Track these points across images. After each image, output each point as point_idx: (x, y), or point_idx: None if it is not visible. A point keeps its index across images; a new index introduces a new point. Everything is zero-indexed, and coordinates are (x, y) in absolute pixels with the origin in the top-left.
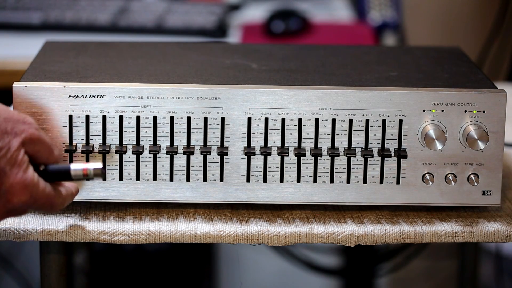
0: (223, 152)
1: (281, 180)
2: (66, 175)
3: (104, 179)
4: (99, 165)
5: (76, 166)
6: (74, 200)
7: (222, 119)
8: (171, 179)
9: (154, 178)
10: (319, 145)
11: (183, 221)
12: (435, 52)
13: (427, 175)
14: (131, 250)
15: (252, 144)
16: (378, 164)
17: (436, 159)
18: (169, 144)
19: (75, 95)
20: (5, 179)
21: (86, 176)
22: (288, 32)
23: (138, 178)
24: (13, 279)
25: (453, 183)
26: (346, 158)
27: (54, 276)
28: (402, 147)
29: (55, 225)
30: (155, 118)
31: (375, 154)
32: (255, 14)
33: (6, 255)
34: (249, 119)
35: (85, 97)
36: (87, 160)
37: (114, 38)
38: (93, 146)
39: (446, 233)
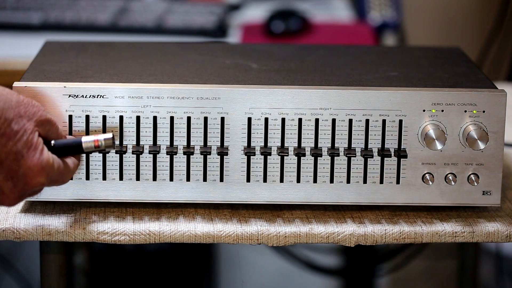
0: (223, 152)
1: (281, 180)
2: (78, 148)
3: (114, 148)
4: (109, 135)
5: (87, 139)
6: (74, 200)
7: (222, 119)
8: (171, 179)
9: (154, 178)
10: (319, 145)
11: (183, 221)
12: (435, 52)
13: (427, 175)
14: (131, 250)
15: (252, 144)
16: (378, 164)
17: (436, 159)
18: (169, 144)
19: (75, 95)
20: (23, 162)
21: (98, 148)
22: (288, 32)
23: (138, 178)
24: (13, 279)
25: (453, 183)
26: (346, 158)
27: (54, 276)
28: (402, 147)
29: (55, 225)
30: (155, 118)
31: (375, 154)
32: (255, 14)
33: (6, 255)
34: (249, 119)
35: (85, 97)
36: (88, 161)
37: (114, 38)
38: None
39: (446, 233)
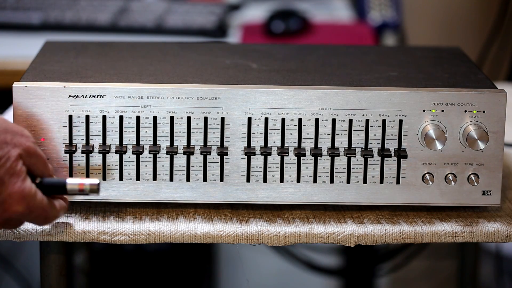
0: (223, 152)
1: (281, 180)
2: (62, 189)
3: (99, 194)
4: (96, 180)
5: (72, 181)
6: (74, 200)
7: (222, 119)
8: (171, 179)
9: (154, 178)
10: (319, 145)
11: (183, 221)
12: (435, 52)
13: (427, 175)
14: (131, 250)
15: (252, 144)
16: (378, 164)
17: (436, 159)
18: (169, 144)
19: (75, 95)
20: (3, 188)
21: (82, 192)
22: (288, 32)
23: (138, 178)
24: (13, 279)
25: (453, 183)
26: (346, 158)
27: (54, 276)
28: (402, 147)
29: (55, 225)
30: (155, 118)
31: (375, 154)
32: (255, 14)
33: (6, 255)
34: (249, 119)
35: (85, 97)
36: (88, 161)
37: (114, 38)
38: (93, 146)
39: (446, 233)
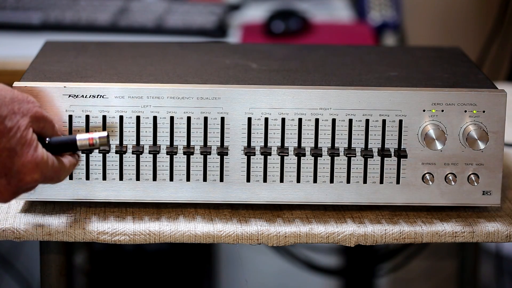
0: (223, 152)
1: (281, 180)
2: (72, 146)
3: (109, 147)
4: (104, 133)
5: (82, 136)
6: (74, 200)
7: (222, 119)
8: (171, 179)
9: (154, 178)
10: (319, 145)
11: (183, 221)
12: (435, 52)
13: (427, 175)
14: (131, 250)
15: (252, 144)
16: (378, 164)
17: (436, 159)
18: (169, 144)
19: (75, 95)
20: (17, 159)
21: (92, 146)
22: (288, 32)
23: (138, 178)
24: (13, 279)
25: (453, 183)
26: (346, 158)
27: (54, 276)
28: (402, 147)
29: (55, 225)
30: (155, 118)
31: (375, 154)
32: (255, 14)
33: (6, 255)
34: (249, 119)
35: (85, 97)
36: (88, 161)
37: (114, 38)
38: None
39: (446, 233)
